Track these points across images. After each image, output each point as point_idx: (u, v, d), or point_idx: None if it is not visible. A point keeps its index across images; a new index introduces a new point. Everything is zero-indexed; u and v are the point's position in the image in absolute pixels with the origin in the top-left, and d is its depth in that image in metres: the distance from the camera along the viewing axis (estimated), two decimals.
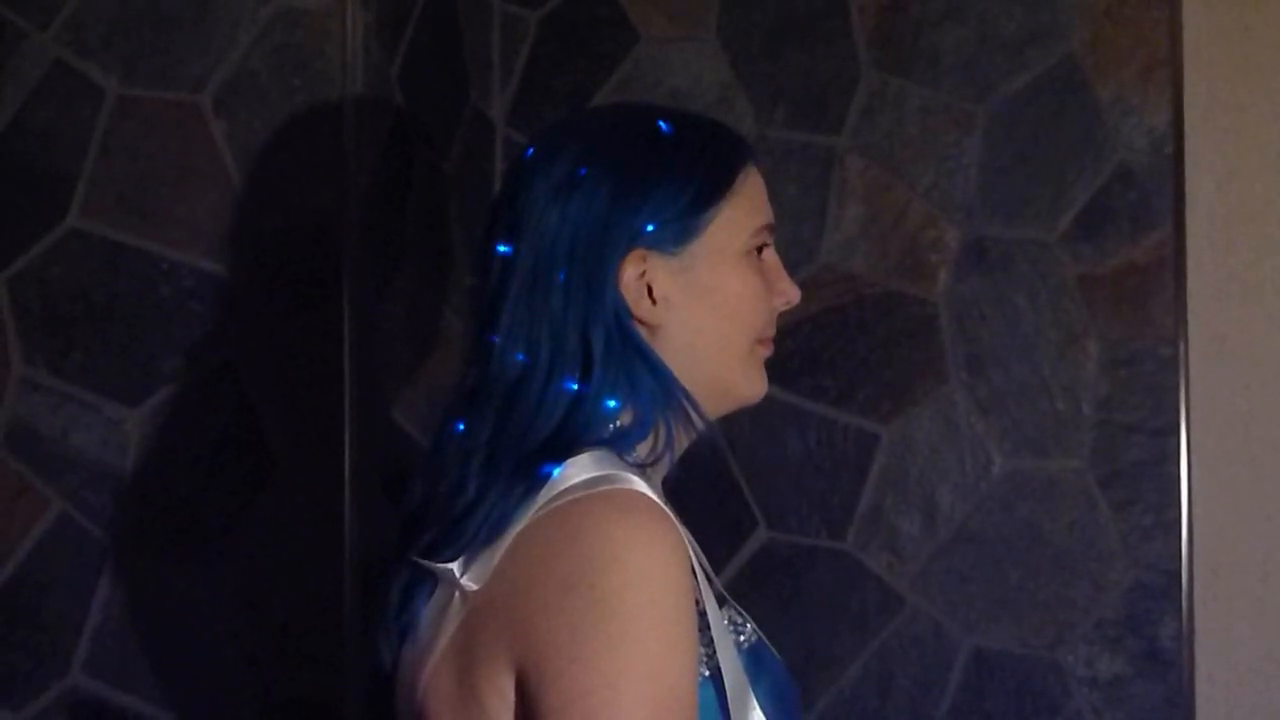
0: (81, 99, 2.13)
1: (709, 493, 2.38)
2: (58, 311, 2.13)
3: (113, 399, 2.11)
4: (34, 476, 2.12)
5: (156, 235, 2.11)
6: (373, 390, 2.09)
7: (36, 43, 2.14)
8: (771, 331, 1.39)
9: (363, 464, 2.05)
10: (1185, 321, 2.32)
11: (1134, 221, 2.32)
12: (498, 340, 1.31)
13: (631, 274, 1.31)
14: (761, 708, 1.28)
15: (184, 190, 2.11)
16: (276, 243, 2.09)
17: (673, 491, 1.35)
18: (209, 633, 2.07)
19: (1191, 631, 2.29)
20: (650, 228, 1.31)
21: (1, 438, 2.13)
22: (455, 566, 1.26)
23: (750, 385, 1.38)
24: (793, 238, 2.38)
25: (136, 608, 2.10)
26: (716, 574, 1.43)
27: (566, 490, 1.23)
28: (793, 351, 2.37)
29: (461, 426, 1.31)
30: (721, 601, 1.33)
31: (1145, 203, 2.31)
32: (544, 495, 1.24)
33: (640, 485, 1.24)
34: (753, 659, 1.31)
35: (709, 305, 1.34)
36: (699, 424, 1.34)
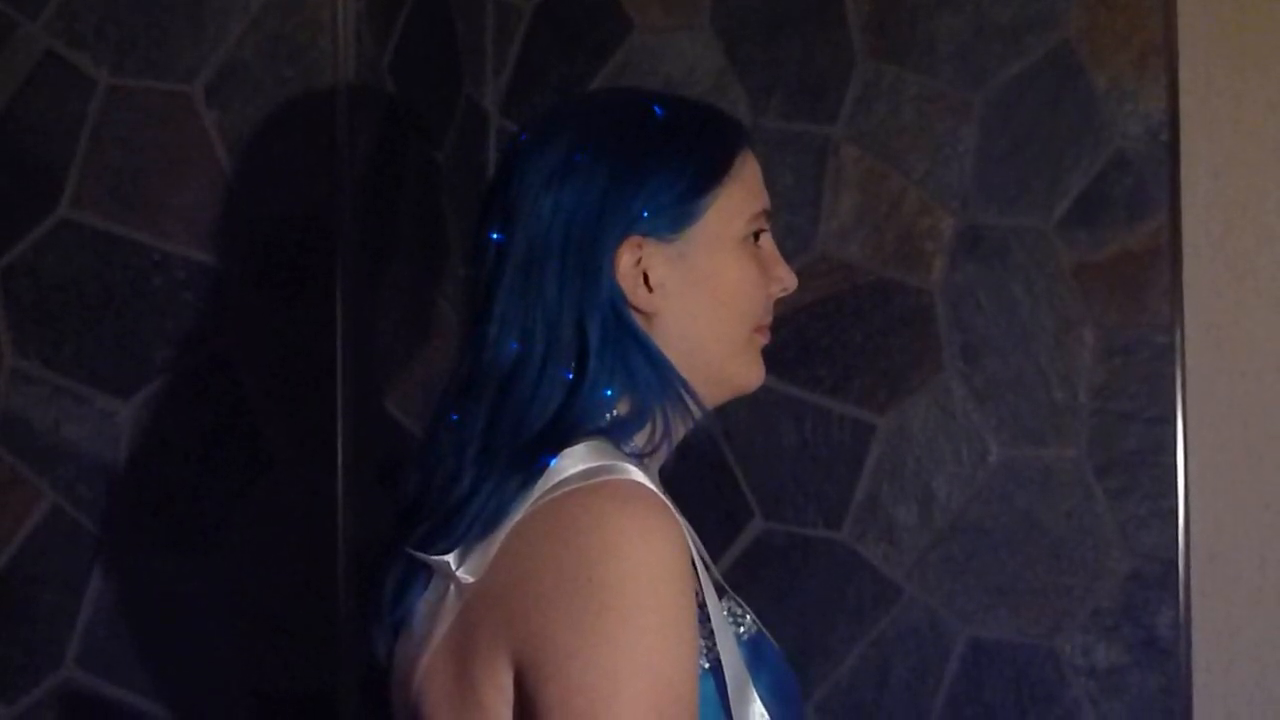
0: (73, 89, 2.12)
1: (705, 483, 2.38)
2: (49, 303, 2.12)
3: (105, 391, 2.10)
4: (26, 469, 2.12)
5: (148, 226, 2.10)
6: (366, 381, 2.09)
7: (27, 33, 2.13)
8: (769, 319, 1.38)
9: (357, 455, 2.05)
10: (1181, 309, 2.32)
11: (1130, 209, 2.32)
12: (491, 329, 1.29)
13: (627, 261, 1.29)
14: (762, 699, 1.27)
15: (176, 181, 2.10)
16: (269, 233, 2.08)
17: (669, 481, 1.35)
18: (202, 625, 2.07)
19: (1189, 620, 2.29)
20: (646, 214, 1.29)
21: None
22: (451, 559, 1.25)
23: (748, 373, 1.37)
24: (788, 226, 2.37)
25: (130, 601, 2.09)
26: (713, 565, 1.42)
27: (563, 481, 1.22)
28: (788, 341, 2.36)
29: (456, 417, 1.30)
30: (721, 592, 1.32)
31: (1141, 190, 2.31)
32: (540, 486, 1.23)
33: (638, 475, 1.23)
34: (753, 650, 1.30)
35: (706, 292, 1.32)
36: (697, 413, 1.33)
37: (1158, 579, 2.29)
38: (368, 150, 2.12)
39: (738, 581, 2.27)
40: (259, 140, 2.08)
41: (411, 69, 2.24)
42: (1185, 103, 2.33)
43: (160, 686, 2.09)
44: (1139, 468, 2.30)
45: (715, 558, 2.33)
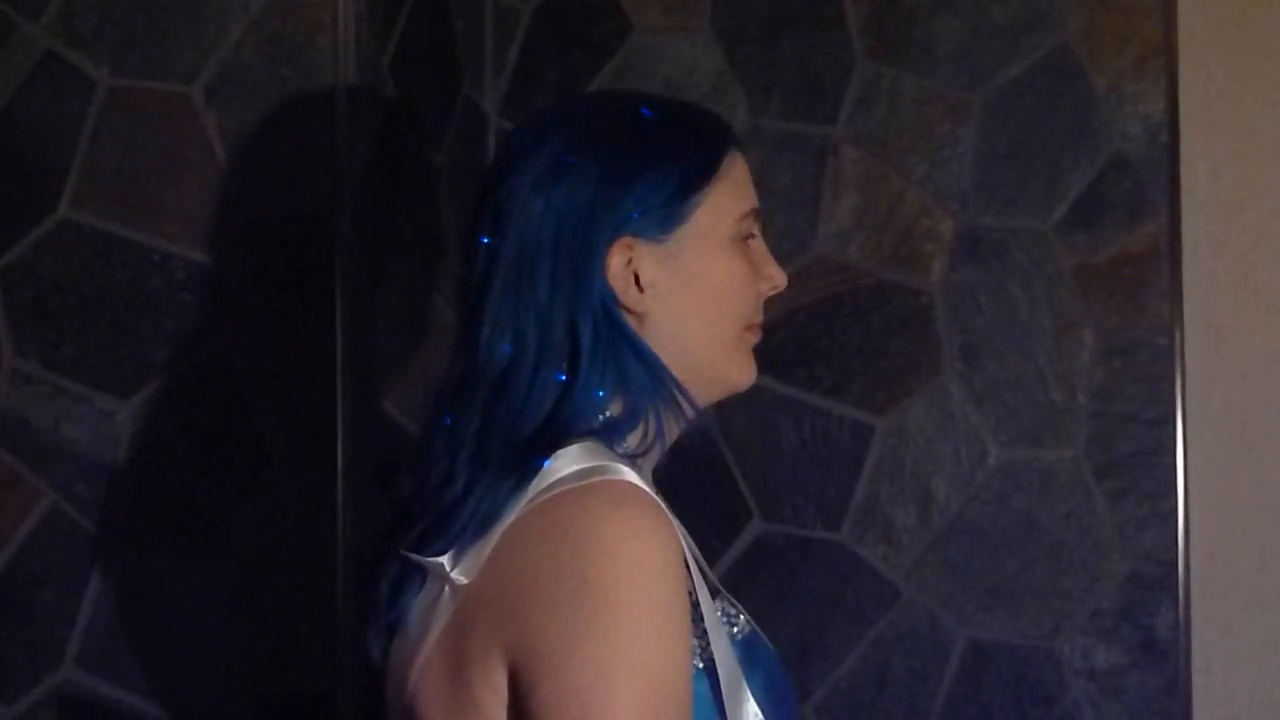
0: (72, 90, 2.12)
1: (703, 484, 2.38)
2: (49, 303, 2.12)
3: (105, 391, 2.10)
4: (25, 469, 2.12)
5: (148, 226, 2.10)
6: (365, 381, 2.09)
7: (27, 33, 2.14)
8: (759, 318, 1.39)
9: (355, 456, 2.05)
10: (1180, 311, 2.31)
11: (1129, 211, 2.31)
12: (484, 331, 1.30)
13: (618, 262, 1.30)
14: (755, 699, 1.27)
15: (175, 181, 2.10)
16: (268, 234, 2.08)
17: (665, 482, 1.35)
18: (201, 626, 2.07)
19: (1188, 621, 2.29)
20: (636, 215, 1.30)
21: None
22: (445, 560, 1.25)
23: (739, 372, 1.37)
24: (787, 228, 2.37)
25: (129, 601, 2.09)
26: (711, 566, 1.43)
27: (557, 482, 1.22)
28: (787, 342, 2.36)
29: (449, 419, 1.30)
30: (715, 593, 1.33)
31: (1140, 192, 2.31)
32: (534, 487, 1.23)
33: (631, 476, 1.23)
34: (746, 650, 1.31)
35: (696, 292, 1.33)
36: (689, 412, 1.34)
37: (1157, 580, 2.28)
38: (367, 151, 2.12)
39: (736, 582, 2.27)
40: (258, 141, 2.09)
41: (411, 69, 2.24)
42: (1185, 104, 2.33)
43: (160, 686, 2.09)
44: (1138, 469, 2.30)
45: (714, 559, 2.33)
